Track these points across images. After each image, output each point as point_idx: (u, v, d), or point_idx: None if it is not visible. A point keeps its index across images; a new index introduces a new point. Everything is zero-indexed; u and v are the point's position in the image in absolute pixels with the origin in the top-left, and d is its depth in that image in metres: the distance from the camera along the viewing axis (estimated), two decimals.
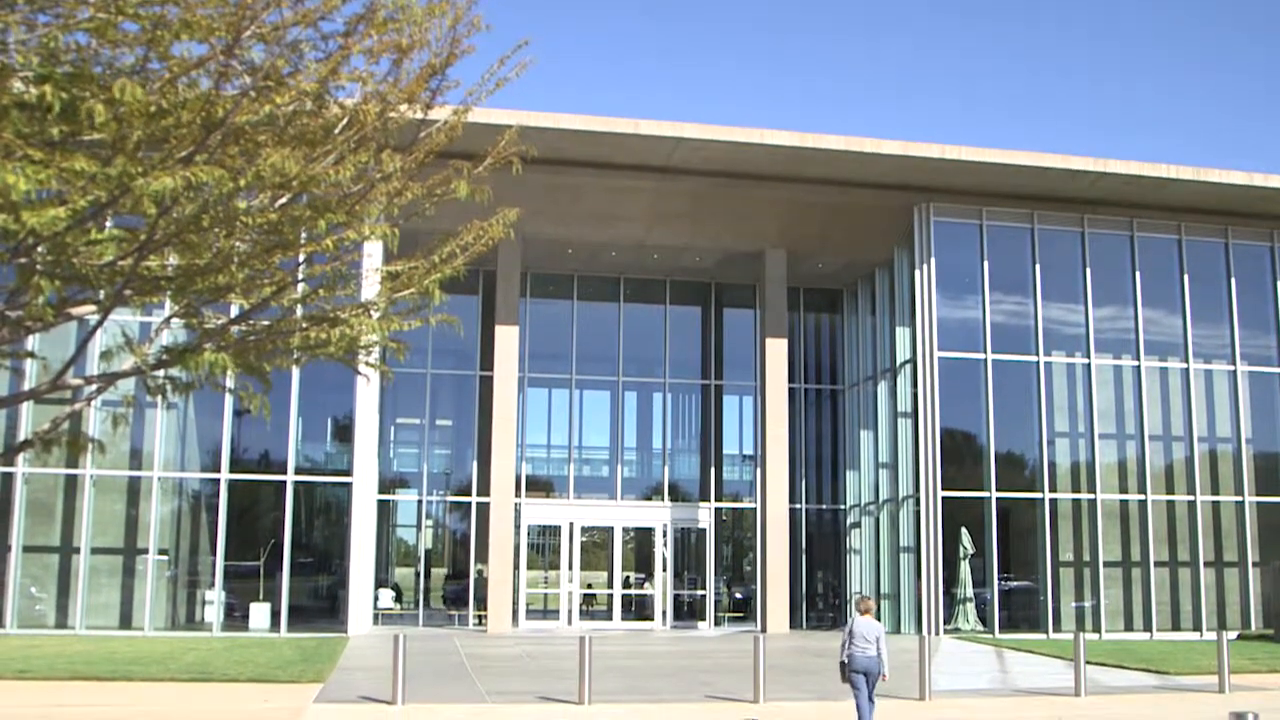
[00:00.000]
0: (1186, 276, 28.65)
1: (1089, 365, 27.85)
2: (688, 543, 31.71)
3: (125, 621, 24.52)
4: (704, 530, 29.90)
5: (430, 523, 31.50)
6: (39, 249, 7.66)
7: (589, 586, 31.21)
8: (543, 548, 32.11)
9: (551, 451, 31.11)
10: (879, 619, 28.92)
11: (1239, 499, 28.31)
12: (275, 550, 25.02)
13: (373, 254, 14.68)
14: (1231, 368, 28.79)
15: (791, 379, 29.67)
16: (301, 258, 9.66)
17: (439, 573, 32.41)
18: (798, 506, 30.87)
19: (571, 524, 28.88)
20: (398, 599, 30.17)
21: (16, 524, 24.23)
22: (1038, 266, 27.81)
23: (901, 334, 28.69)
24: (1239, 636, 26.50)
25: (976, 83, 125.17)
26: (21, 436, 23.26)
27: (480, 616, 27.62)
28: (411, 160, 9.32)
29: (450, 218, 9.97)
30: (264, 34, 7.31)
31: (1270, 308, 29.15)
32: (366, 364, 10.54)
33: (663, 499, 30.62)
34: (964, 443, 27.75)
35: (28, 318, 8.33)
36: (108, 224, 8.14)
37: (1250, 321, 29.11)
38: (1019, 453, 28.18)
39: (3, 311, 8.17)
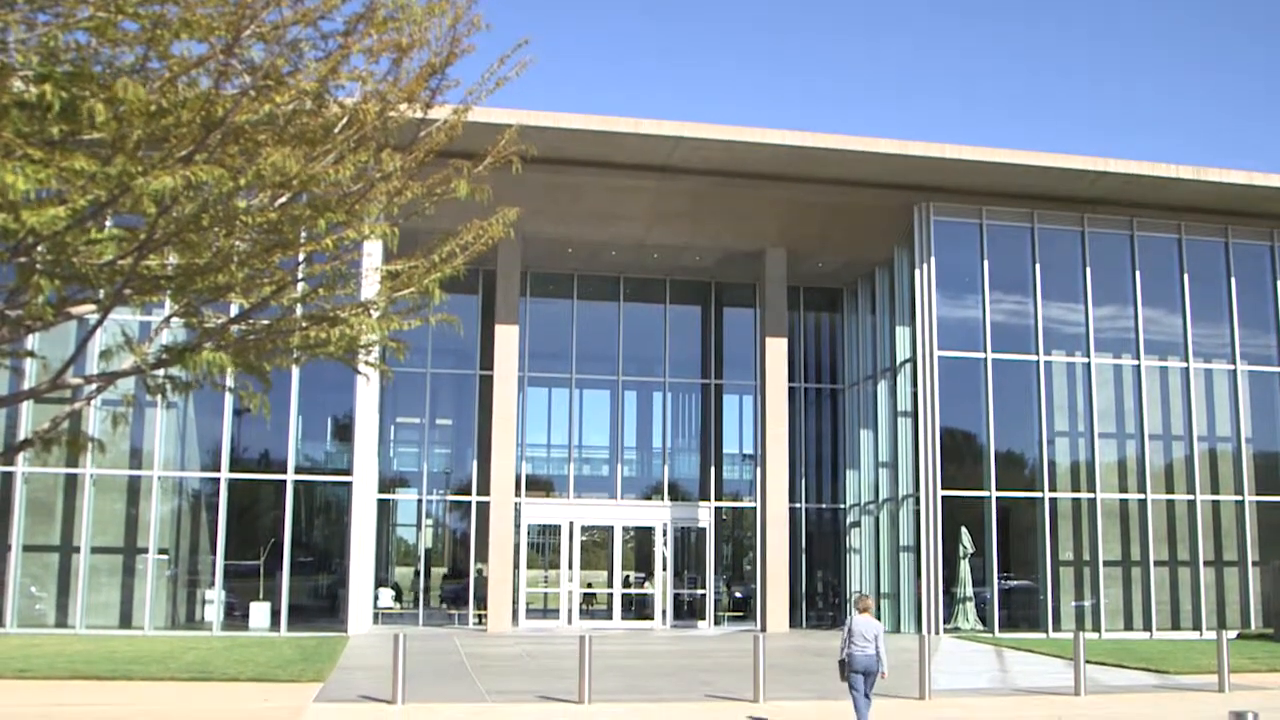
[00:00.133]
0: (1186, 276, 28.65)
1: (1089, 365, 27.86)
2: (688, 542, 31.71)
3: (125, 621, 24.52)
4: (704, 529, 29.91)
5: (430, 522, 31.50)
6: (39, 248, 7.67)
7: (589, 586, 31.21)
8: (543, 547, 32.12)
9: (551, 451, 31.11)
10: (879, 618, 28.99)
11: (1239, 498, 28.32)
12: (275, 549, 25.02)
13: (373, 253, 14.68)
14: (1231, 367, 28.79)
15: (791, 378, 29.67)
16: (301, 257, 9.67)
17: (439, 572, 32.42)
18: (798, 506, 30.88)
19: (571, 523, 28.88)
20: (398, 598, 30.17)
21: (16, 523, 24.23)
22: (1038, 266, 27.82)
23: (901, 333, 28.69)
24: (1239, 636, 26.50)
25: (976, 83, 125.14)
26: (21, 436, 23.27)
27: (480, 616, 27.62)
28: (411, 159, 9.33)
29: (450, 217, 9.97)
30: (264, 33, 7.31)
31: (1270, 307, 29.15)
32: (366, 363, 10.54)
33: (663, 498, 30.62)
34: (964, 442, 27.75)
35: (28, 317, 8.33)
36: (108, 223, 8.14)
37: (1250, 321, 29.11)
38: (1019, 452, 28.18)
39: (3, 311, 8.17)
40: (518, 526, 27.91)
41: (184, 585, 25.95)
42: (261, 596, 25.48)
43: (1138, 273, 28.35)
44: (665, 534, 29.80)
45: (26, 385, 16.94)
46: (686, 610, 30.19)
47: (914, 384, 27.43)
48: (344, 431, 27.04)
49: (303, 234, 8.83)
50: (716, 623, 29.35)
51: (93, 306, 8.86)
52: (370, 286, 10.48)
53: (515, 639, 24.74)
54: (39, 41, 6.91)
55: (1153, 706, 15.63)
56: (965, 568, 27.10)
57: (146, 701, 14.71)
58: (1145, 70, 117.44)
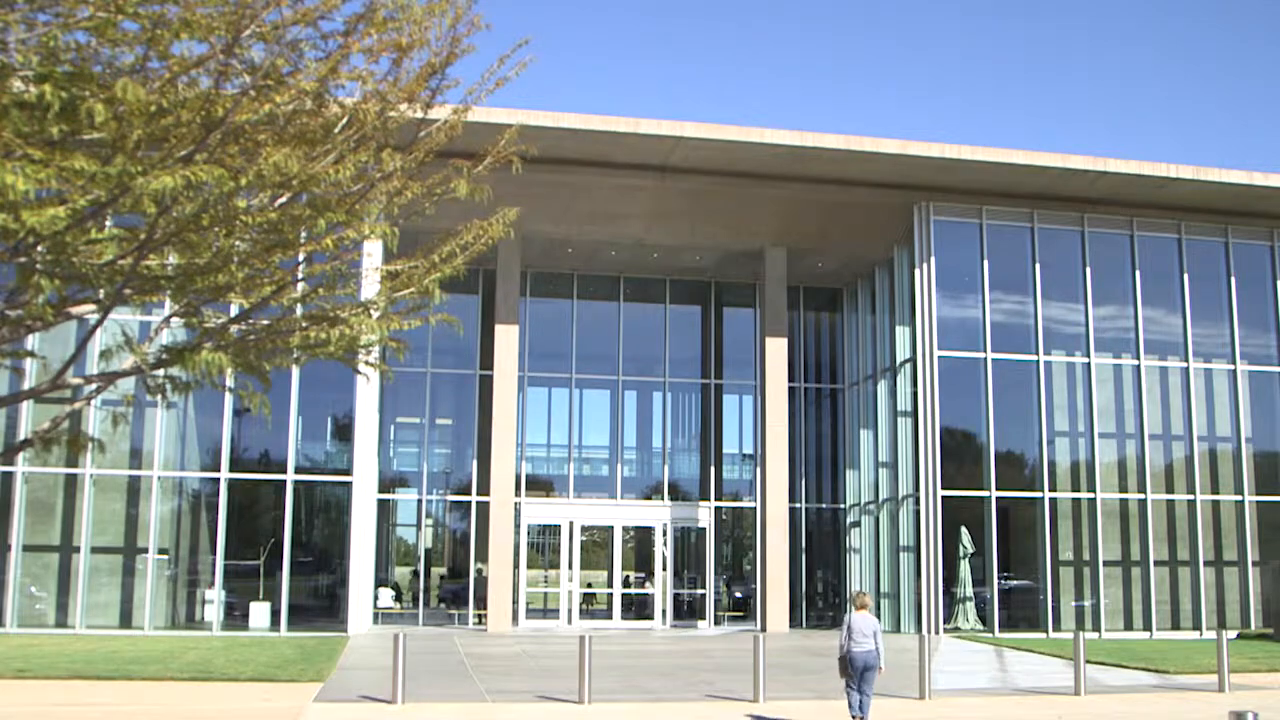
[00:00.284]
0: (1186, 276, 28.65)
1: (1089, 364, 27.85)
2: (687, 542, 31.71)
3: (125, 620, 24.52)
4: (704, 529, 29.90)
5: (430, 522, 31.50)
6: (39, 248, 7.67)
7: (589, 586, 31.21)
8: (543, 547, 32.13)
9: (551, 451, 31.11)
10: (879, 618, 29.02)
11: (1239, 498, 28.32)
12: (275, 549, 25.02)
13: (373, 253, 14.67)
14: (1231, 367, 28.79)
15: (791, 378, 29.67)
16: (301, 257, 9.67)
17: (439, 572, 32.43)
18: (798, 506, 30.88)
19: (571, 523, 28.88)
20: (398, 598, 30.17)
21: (16, 523, 24.22)
22: (1037, 265, 27.81)
23: (901, 333, 28.69)
24: (1239, 636, 26.51)
25: (976, 83, 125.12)
26: (21, 436, 23.27)
27: (480, 616, 27.62)
28: (411, 159, 9.33)
29: (450, 217, 9.97)
30: (264, 33, 7.31)
31: (1270, 307, 29.15)
32: (366, 363, 10.54)
33: (662, 498, 30.62)
34: (964, 442, 27.75)
35: (28, 317, 8.33)
36: (108, 223, 8.14)
37: (1250, 321, 29.11)
38: (1019, 452, 28.18)
39: (3, 311, 8.17)
40: (518, 526, 27.90)
41: (184, 585, 25.95)
42: (261, 596, 25.48)
43: (1137, 272, 28.35)
44: (665, 534, 29.79)
45: (26, 385, 16.94)
46: (686, 610, 30.19)
47: (914, 384, 27.43)
48: (344, 431, 27.04)
49: (303, 234, 8.83)
50: (716, 623, 29.34)
51: (93, 306, 8.86)
52: (370, 286, 10.48)
53: (515, 639, 24.73)
54: (39, 41, 6.90)
55: (1153, 706, 15.63)
56: (965, 567, 27.11)
57: (146, 701, 14.71)
58: (1145, 70, 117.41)
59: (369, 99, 8.54)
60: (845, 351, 32.21)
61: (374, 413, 26.14)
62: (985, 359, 27.17)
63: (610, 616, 29.34)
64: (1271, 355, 29.22)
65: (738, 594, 31.65)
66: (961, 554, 27.02)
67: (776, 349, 28.58)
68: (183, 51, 7.27)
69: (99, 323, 9.58)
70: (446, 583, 31.48)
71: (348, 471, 25.54)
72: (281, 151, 7.58)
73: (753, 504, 29.89)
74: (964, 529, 26.98)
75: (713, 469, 30.86)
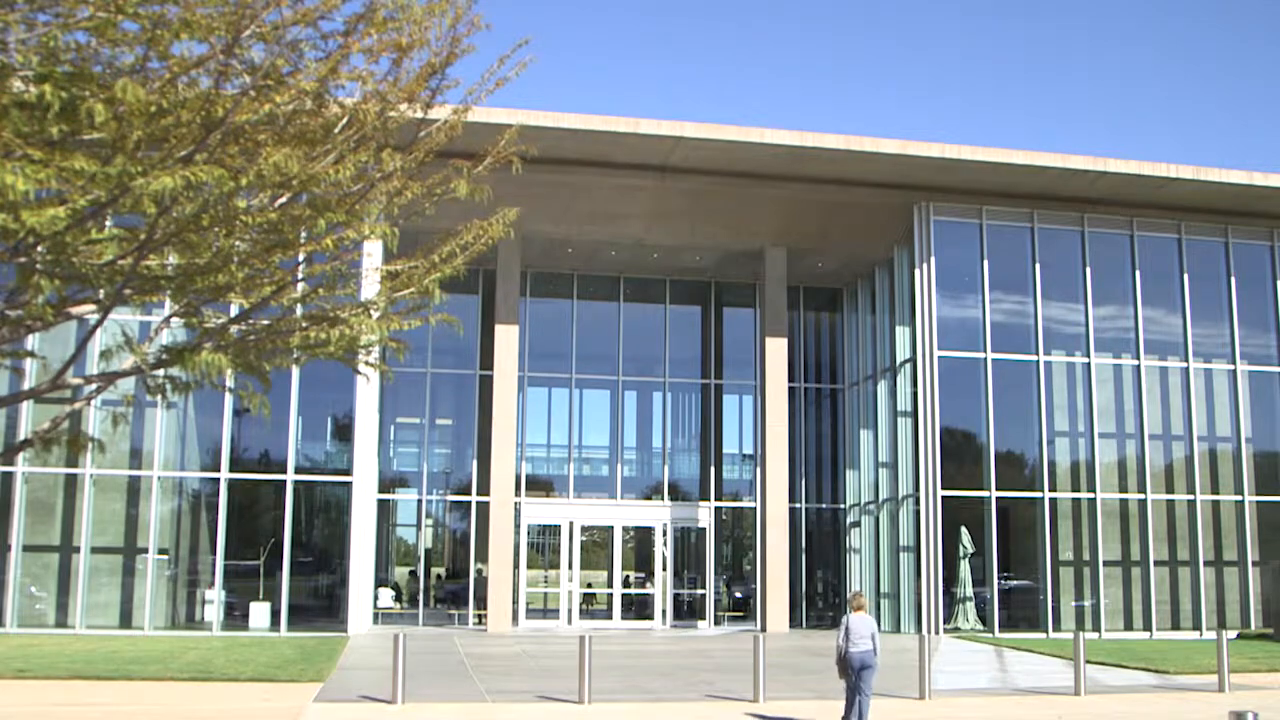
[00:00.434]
0: (1186, 276, 28.64)
1: (1089, 364, 27.85)
2: (688, 542, 31.71)
3: (125, 620, 24.52)
4: (704, 529, 29.90)
5: (430, 522, 31.50)
6: (39, 248, 7.67)
7: (589, 586, 31.21)
8: (543, 547, 32.13)
9: (551, 451, 31.11)
10: (879, 618, 29.03)
11: (1239, 498, 28.32)
12: (275, 549, 25.02)
13: (373, 253, 14.68)
14: (1231, 367, 28.79)
15: (791, 378, 29.67)
16: (301, 257, 9.67)
17: (439, 572, 32.44)
18: (798, 506, 30.88)
19: (571, 523, 28.88)
20: (398, 598, 30.17)
21: (16, 523, 24.22)
22: (1037, 266, 27.81)
23: (901, 333, 28.69)
24: (1239, 636, 26.51)
25: (976, 82, 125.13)
26: (21, 436, 23.27)
27: (480, 616, 27.62)
28: (411, 159, 9.33)
29: (450, 217, 9.97)
30: (264, 33, 7.31)
31: (1270, 307, 29.15)
32: (366, 363, 10.54)
33: (662, 498, 30.62)
34: (964, 442, 27.75)
35: (28, 317, 8.33)
36: (108, 223, 8.14)
37: (1250, 321, 29.11)
38: (1019, 452, 28.18)
39: (3, 311, 8.17)
40: (518, 526, 27.90)
41: (184, 585, 25.95)
42: (261, 596, 25.48)
43: (1137, 272, 28.35)
44: (665, 534, 29.79)
45: (26, 385, 16.94)
46: (686, 610, 30.19)
47: (914, 384, 27.43)
48: (344, 431, 27.04)
49: (303, 234, 8.83)
50: (716, 623, 29.34)
51: (93, 306, 8.86)
52: (370, 286, 10.48)
53: (515, 639, 24.73)
54: (39, 41, 6.90)
55: (1153, 706, 15.63)
56: (965, 568, 27.10)
57: (146, 701, 14.71)
58: (1145, 70, 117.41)
59: (369, 99, 8.54)
60: (845, 351, 32.21)
61: (374, 413, 26.14)
62: (985, 359, 27.16)
63: (610, 616, 29.34)
64: (1271, 355, 29.22)
65: (738, 594, 31.65)
66: (961, 554, 27.02)
67: (776, 349, 28.57)
68: (183, 52, 7.28)
69: (99, 323, 9.58)
70: (446, 583, 31.47)
71: (348, 471, 25.54)
72: (281, 151, 7.58)
73: (753, 504, 29.88)
74: (964, 529, 26.98)
75: (713, 469, 30.85)
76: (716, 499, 30.49)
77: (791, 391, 29.72)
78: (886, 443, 29.49)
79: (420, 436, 30.41)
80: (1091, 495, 27.52)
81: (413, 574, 31.03)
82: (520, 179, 10.55)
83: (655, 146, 25.27)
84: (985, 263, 27.55)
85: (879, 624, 28.17)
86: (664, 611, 29.12)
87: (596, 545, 32.22)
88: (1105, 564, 27.49)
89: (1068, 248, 28.15)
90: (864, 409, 30.85)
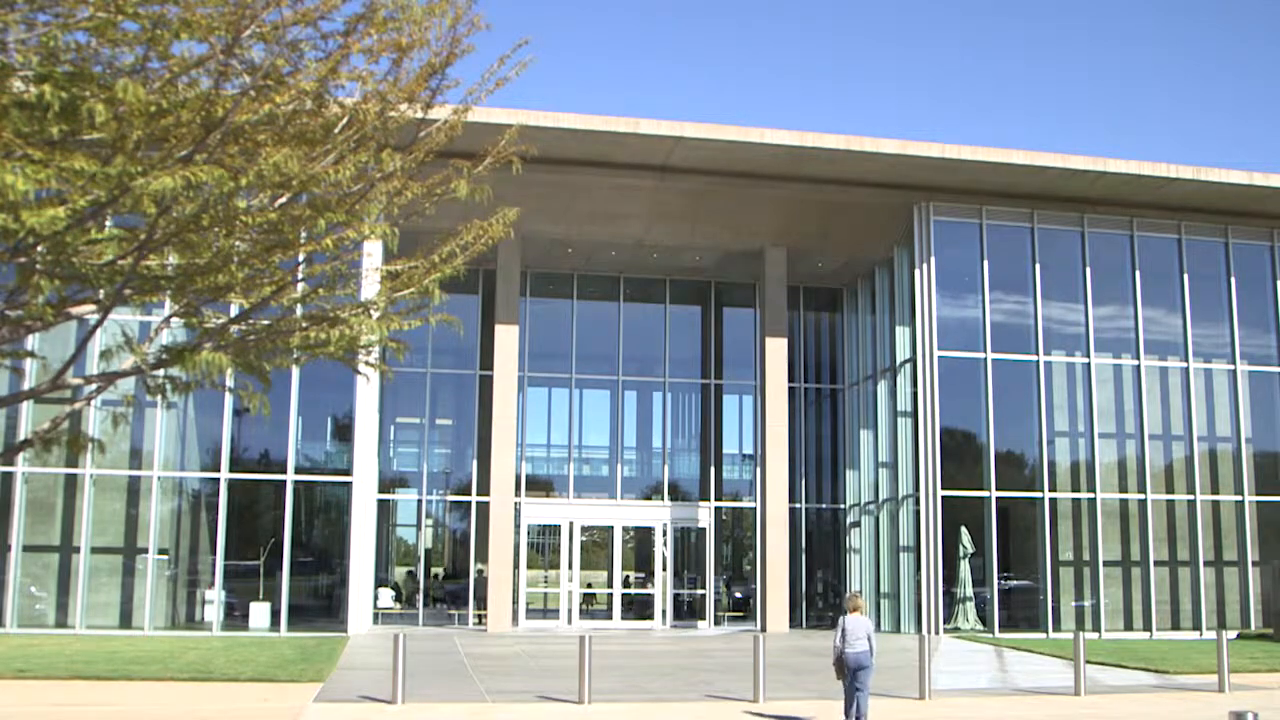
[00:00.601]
0: (1186, 276, 28.65)
1: (1089, 365, 27.85)
2: (688, 542, 31.71)
3: (125, 621, 24.52)
4: (704, 530, 29.90)
5: (430, 522, 31.50)
6: (39, 248, 7.67)
7: (589, 586, 31.21)
8: (543, 547, 32.13)
9: (551, 451, 31.11)
10: (879, 619, 29.05)
11: (1239, 498, 28.32)
12: (275, 549, 25.02)
13: (373, 253, 14.68)
14: (1231, 367, 28.79)
15: (791, 378, 29.67)
16: (301, 257, 9.67)
17: (438, 572, 32.44)
18: (798, 506, 30.88)
19: (571, 523, 28.88)
20: (398, 598, 30.17)
21: (16, 523, 24.22)
22: (1037, 266, 27.81)
23: (901, 333, 28.69)
24: (1239, 636, 26.52)
25: (976, 83, 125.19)
26: (21, 436, 23.26)
27: (480, 616, 27.62)
28: (411, 160, 9.33)
29: (450, 217, 9.97)
30: (264, 33, 7.31)
31: (1270, 307, 29.15)
32: (366, 363, 10.54)
33: (662, 498, 30.62)
34: (964, 442, 27.75)
35: (28, 317, 8.33)
36: (108, 223, 8.14)
37: (1250, 321, 29.11)
38: (1019, 452, 28.18)
39: (3, 311, 8.17)
40: (518, 526, 27.90)
41: (184, 585, 25.94)
42: (261, 596, 25.48)
43: (1137, 272, 28.35)
44: (665, 534, 29.79)
45: (26, 385, 16.94)
46: (686, 610, 30.18)
47: (914, 384, 27.43)
48: (344, 431, 27.04)
49: (303, 234, 8.82)
50: (716, 623, 29.34)
51: (93, 306, 8.85)
52: (370, 287, 10.48)
53: (515, 639, 24.73)
54: (39, 41, 6.90)
55: (1153, 706, 15.63)
56: (965, 568, 27.10)
57: (146, 702, 14.71)
58: (1145, 70, 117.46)
59: (369, 99, 8.54)
60: (845, 351, 32.21)
61: (374, 413, 26.14)
62: (985, 359, 27.17)
63: (610, 617, 29.34)
64: (1271, 355, 29.22)
65: (738, 594, 31.64)
66: (961, 554, 27.01)
67: (776, 349, 28.57)
68: (183, 52, 7.28)
69: (99, 323, 9.58)
70: (446, 583, 31.47)
71: (348, 471, 25.54)
72: (281, 152, 7.58)
73: (753, 504, 29.88)
74: (964, 529, 26.98)
75: (713, 469, 30.85)
76: (716, 499, 30.49)
77: (791, 391, 29.71)
78: (886, 443, 29.48)
79: (420, 436, 30.41)
80: (1091, 495, 27.52)
81: (412, 574, 31.05)
82: (520, 179, 10.55)
83: (655, 146, 25.27)
84: (985, 263, 27.55)
85: (879, 624, 28.42)
86: (664, 611, 29.12)
87: (596, 545, 32.22)
88: (1105, 564, 27.49)
89: (1068, 248, 28.14)
90: (864, 409, 30.85)
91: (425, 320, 9.97)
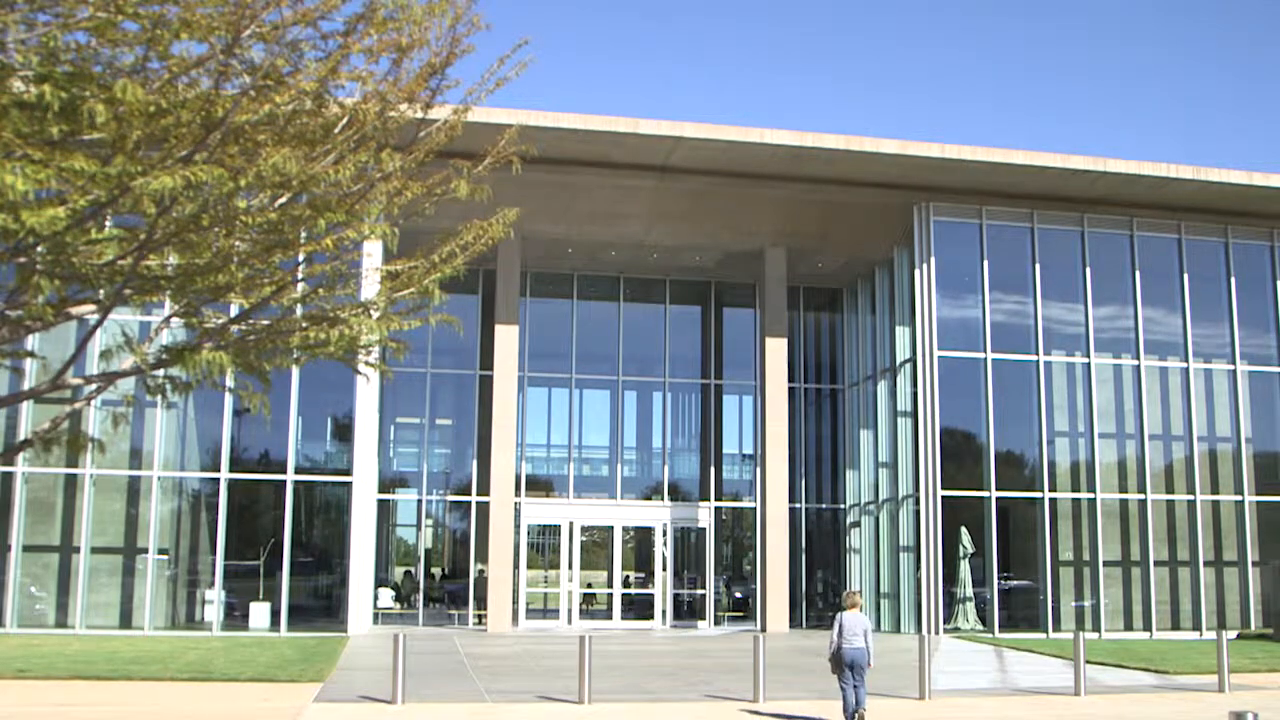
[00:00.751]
0: (1186, 276, 28.65)
1: (1089, 365, 27.85)
2: (688, 542, 31.71)
3: (125, 621, 24.52)
4: (704, 530, 29.90)
5: (430, 522, 31.50)
6: (39, 248, 7.67)
7: (589, 586, 31.20)
8: (543, 547, 32.12)
9: (551, 451, 31.11)
10: (879, 618, 29.04)
11: (1239, 498, 28.32)
12: (275, 549, 25.02)
13: (373, 253, 14.68)
14: (1231, 367, 28.79)
15: (791, 378, 29.67)
16: (301, 257, 9.67)
17: (439, 572, 32.43)
18: (798, 506, 30.87)
19: (571, 523, 28.88)
20: (398, 598, 30.16)
21: (16, 523, 24.22)
22: (1037, 266, 27.81)
23: (901, 333, 28.69)
24: (1239, 636, 26.52)
25: (976, 83, 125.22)
26: (21, 436, 23.27)
27: (480, 616, 27.62)
28: (411, 160, 9.33)
29: (450, 217, 9.98)
30: (264, 33, 7.31)
31: (1270, 307, 29.15)
32: (366, 363, 10.54)
33: (662, 498, 30.62)
34: (964, 442, 27.75)
35: (28, 317, 8.33)
36: (108, 224, 8.14)
37: (1250, 321, 29.11)
38: (1019, 452, 28.18)
39: (3, 311, 8.17)
40: (518, 526, 27.90)
41: (184, 585, 25.94)
42: (261, 596, 25.48)
43: (1137, 273, 28.35)
44: (665, 534, 29.79)
45: (26, 385, 16.95)
46: (686, 610, 30.18)
47: (914, 384, 27.43)
48: (344, 431, 27.04)
49: (303, 234, 8.83)
50: (716, 623, 29.34)
51: (93, 306, 8.86)
52: (370, 287, 10.49)
53: (515, 639, 24.73)
54: (39, 41, 6.91)
55: (1153, 706, 15.62)
56: (965, 568, 27.10)
57: (146, 702, 14.71)
58: (1145, 70, 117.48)
59: (369, 99, 8.54)
60: (845, 351, 32.21)
61: (374, 413, 26.14)
62: (985, 359, 27.17)
63: (610, 617, 29.34)
64: (1271, 355, 29.22)
65: (738, 594, 31.63)
66: (961, 554, 27.01)
67: (776, 349, 28.58)
68: (183, 52, 7.28)
69: (99, 323, 9.58)
70: (446, 583, 31.46)
71: (348, 471, 25.54)
72: (281, 152, 7.59)
73: (753, 504, 29.88)
74: (964, 529, 26.98)
75: (713, 469, 30.85)
76: (716, 499, 30.49)
77: (791, 391, 29.71)
78: (886, 443, 29.49)
79: (420, 436, 30.41)
80: (1091, 495, 27.52)
81: (412, 574, 31.04)
82: (520, 179, 10.56)
83: (655, 146, 25.27)
84: (985, 263, 27.55)
85: (880, 624, 28.44)
86: (664, 611, 29.12)
87: (596, 545, 32.21)
88: (1105, 564, 27.49)
89: (1067, 248, 28.15)
90: (864, 409, 30.85)
91: (425, 320, 9.97)
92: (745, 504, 31.21)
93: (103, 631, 23.88)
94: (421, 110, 9.00)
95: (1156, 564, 27.66)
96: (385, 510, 30.22)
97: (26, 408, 23.43)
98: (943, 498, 26.26)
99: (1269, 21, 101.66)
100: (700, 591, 29.98)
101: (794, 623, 28.98)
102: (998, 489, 26.86)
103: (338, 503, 27.56)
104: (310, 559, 28.66)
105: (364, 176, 8.84)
